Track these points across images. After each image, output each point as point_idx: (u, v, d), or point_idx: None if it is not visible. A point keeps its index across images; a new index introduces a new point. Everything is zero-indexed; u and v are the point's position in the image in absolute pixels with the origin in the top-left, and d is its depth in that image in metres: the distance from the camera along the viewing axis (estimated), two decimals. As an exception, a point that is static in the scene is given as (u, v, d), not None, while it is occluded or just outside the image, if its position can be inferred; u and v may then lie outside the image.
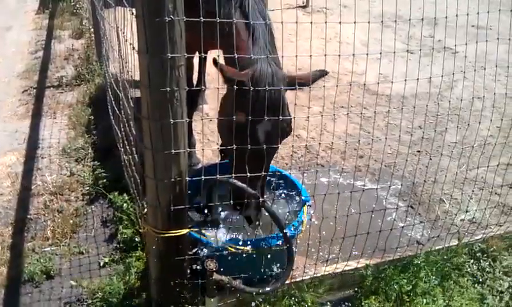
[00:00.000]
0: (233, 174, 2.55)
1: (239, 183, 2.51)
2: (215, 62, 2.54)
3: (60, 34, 7.63)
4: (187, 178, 2.38)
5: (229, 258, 2.61)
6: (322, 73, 2.72)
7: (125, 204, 3.51)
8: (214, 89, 2.87)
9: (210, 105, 5.12)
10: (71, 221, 3.62)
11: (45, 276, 3.17)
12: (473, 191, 3.90)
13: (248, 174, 2.49)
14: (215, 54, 2.83)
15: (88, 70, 5.93)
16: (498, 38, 3.15)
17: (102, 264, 3.26)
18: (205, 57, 4.09)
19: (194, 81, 4.65)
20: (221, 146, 3.33)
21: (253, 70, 2.64)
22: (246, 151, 2.45)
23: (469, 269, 3.21)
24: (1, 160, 4.46)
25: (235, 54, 2.46)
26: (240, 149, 2.45)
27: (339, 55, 2.54)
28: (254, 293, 2.64)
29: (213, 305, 2.51)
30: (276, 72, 2.68)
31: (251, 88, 2.47)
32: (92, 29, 6.25)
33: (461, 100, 3.82)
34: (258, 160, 2.60)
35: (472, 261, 3.26)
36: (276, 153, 2.88)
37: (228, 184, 2.57)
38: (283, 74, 2.74)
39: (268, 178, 3.00)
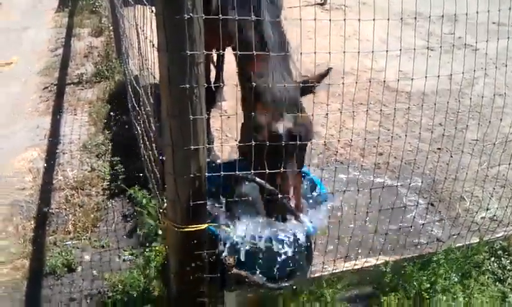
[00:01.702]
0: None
1: (259, 180, 2.52)
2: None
3: (79, 32, 7.70)
4: (206, 174, 2.40)
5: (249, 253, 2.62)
6: (327, 71, 2.74)
7: (144, 200, 3.54)
8: (232, 86, 2.89)
9: (229, 102, 5.14)
10: (92, 215, 3.68)
11: (66, 269, 3.23)
12: (494, 189, 3.84)
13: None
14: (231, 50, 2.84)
15: (108, 67, 6.00)
16: (519, 35, 3.11)
17: (122, 258, 3.31)
18: (223, 54, 4.11)
19: (212, 78, 4.68)
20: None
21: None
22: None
23: (490, 267, 3.18)
24: (23, 156, 4.53)
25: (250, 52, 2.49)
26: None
27: (358, 53, 2.54)
28: (273, 288, 2.65)
29: (232, 299, 2.53)
30: (288, 83, 2.71)
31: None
32: (111, 27, 6.30)
33: (482, 97, 3.77)
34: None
35: (492, 259, 3.23)
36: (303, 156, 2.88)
37: (249, 180, 2.59)
38: (296, 83, 2.76)
39: None
